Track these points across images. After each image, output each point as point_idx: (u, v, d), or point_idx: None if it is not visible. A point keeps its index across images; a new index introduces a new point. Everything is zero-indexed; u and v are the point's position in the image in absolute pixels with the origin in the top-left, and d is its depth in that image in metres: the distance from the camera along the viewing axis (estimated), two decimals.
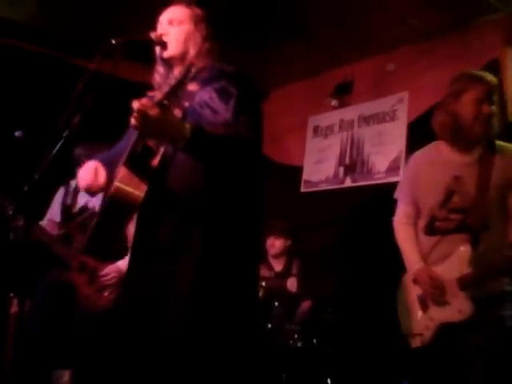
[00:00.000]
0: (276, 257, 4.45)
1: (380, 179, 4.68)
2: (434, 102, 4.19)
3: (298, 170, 5.43)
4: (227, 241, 1.98)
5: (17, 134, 3.28)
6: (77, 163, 3.50)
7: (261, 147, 2.09)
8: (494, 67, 3.95)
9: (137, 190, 1.91)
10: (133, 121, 1.75)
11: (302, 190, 5.36)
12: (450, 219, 2.53)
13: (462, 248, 2.48)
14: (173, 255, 1.94)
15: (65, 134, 2.02)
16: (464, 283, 2.46)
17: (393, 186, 3.83)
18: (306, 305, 4.25)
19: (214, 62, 2.17)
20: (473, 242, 2.47)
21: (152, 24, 2.24)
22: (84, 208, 3.58)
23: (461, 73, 2.67)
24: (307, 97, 5.51)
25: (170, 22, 2.19)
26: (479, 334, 2.42)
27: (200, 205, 1.97)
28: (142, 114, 1.71)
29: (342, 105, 5.16)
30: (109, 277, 3.33)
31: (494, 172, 2.50)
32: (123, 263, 3.32)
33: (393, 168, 4.58)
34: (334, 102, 5.15)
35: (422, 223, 2.70)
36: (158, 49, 2.20)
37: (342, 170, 5.05)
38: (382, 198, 4.37)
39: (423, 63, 4.49)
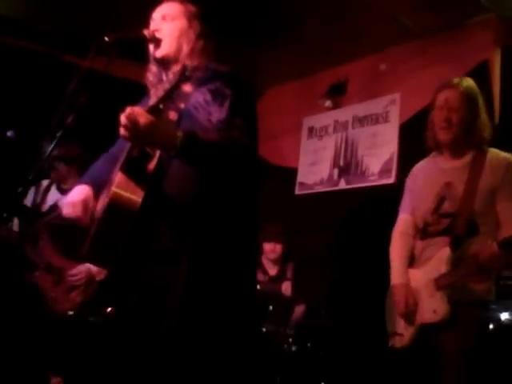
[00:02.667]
0: (270, 261, 4.45)
1: (373, 181, 4.67)
2: (425, 104, 4.19)
3: (292, 172, 5.40)
4: (223, 245, 1.96)
5: (8, 133, 3.24)
6: (50, 165, 3.48)
7: (256, 150, 2.07)
8: (483, 68, 3.95)
9: (134, 195, 1.90)
10: (122, 131, 1.74)
11: (297, 192, 5.33)
12: (440, 223, 2.60)
13: (442, 250, 2.54)
14: (168, 259, 1.92)
15: (58, 134, 1.98)
16: (439, 283, 2.51)
17: (385, 189, 3.83)
18: (299, 309, 4.25)
19: (209, 61, 2.13)
20: (453, 244, 2.51)
21: (145, 20, 2.20)
22: (54, 206, 3.52)
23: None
24: (301, 97, 5.49)
25: (164, 18, 2.16)
26: (456, 337, 2.46)
27: (195, 209, 1.95)
28: (132, 123, 1.69)
29: (336, 106, 5.14)
30: (77, 277, 3.29)
31: (482, 177, 2.54)
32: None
33: (385, 170, 4.57)
34: (328, 103, 5.13)
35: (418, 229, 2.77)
36: (151, 47, 2.17)
37: (336, 171, 5.03)
38: (376, 200, 4.40)
39: (415, 64, 4.49)
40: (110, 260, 2.00)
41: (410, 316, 2.59)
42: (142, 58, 2.24)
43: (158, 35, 2.11)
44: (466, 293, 2.49)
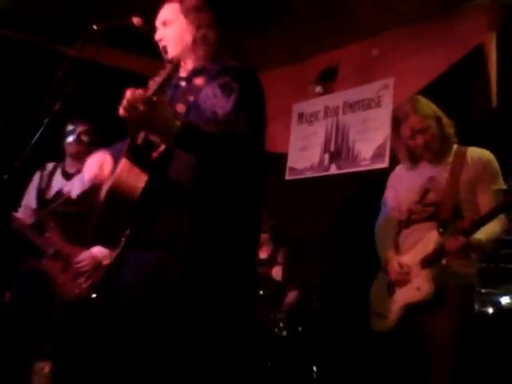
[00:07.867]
0: (259, 245, 4.39)
1: (365, 166, 4.68)
2: (418, 88, 4.22)
3: (282, 158, 5.42)
4: (222, 231, 2.00)
5: None
6: (65, 138, 3.47)
7: (262, 143, 2.11)
8: (480, 52, 3.97)
9: (136, 181, 1.96)
10: (121, 110, 1.79)
11: (287, 177, 5.35)
12: (424, 211, 2.70)
13: (430, 233, 2.63)
14: (168, 246, 1.96)
15: (45, 121, 2.01)
16: (425, 261, 2.59)
17: (378, 173, 3.85)
18: (292, 294, 4.26)
19: (219, 55, 2.20)
20: (440, 228, 2.60)
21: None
22: (59, 193, 3.50)
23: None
24: (291, 83, 5.48)
25: (164, 24, 2.23)
26: (442, 319, 2.51)
27: (195, 196, 1.99)
28: (131, 106, 1.76)
29: (326, 91, 5.14)
30: (83, 263, 3.31)
31: (464, 170, 2.67)
32: (97, 250, 3.34)
33: (378, 155, 4.59)
34: (318, 89, 5.13)
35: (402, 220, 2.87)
36: (162, 52, 2.22)
37: (327, 157, 5.04)
38: (368, 184, 4.41)
39: (408, 49, 4.48)
40: (115, 241, 2.03)
41: (402, 280, 2.65)
42: (131, 45, 2.26)
43: (163, 43, 2.20)
44: (452, 277, 2.56)
